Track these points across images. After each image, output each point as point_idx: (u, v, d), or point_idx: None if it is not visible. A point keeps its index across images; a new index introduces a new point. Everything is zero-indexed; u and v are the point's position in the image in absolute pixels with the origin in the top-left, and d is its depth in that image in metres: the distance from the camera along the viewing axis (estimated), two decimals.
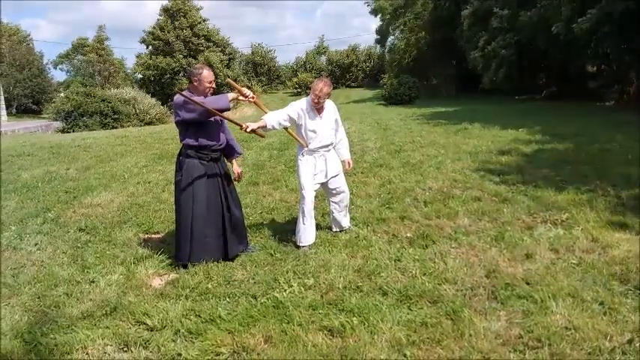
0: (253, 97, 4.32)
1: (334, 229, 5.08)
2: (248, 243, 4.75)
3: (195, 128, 4.28)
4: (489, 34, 22.16)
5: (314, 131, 4.71)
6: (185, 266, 4.32)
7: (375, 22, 44.12)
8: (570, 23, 15.06)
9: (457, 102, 25.33)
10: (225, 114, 4.35)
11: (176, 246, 4.50)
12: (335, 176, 4.89)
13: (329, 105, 4.83)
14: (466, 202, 5.91)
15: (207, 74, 4.28)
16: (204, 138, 4.32)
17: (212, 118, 4.29)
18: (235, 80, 43.65)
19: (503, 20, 20.96)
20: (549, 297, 3.40)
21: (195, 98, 4.12)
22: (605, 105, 17.81)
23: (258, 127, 4.50)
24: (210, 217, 4.38)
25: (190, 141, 4.33)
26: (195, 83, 4.27)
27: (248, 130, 4.41)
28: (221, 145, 4.48)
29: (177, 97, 4.22)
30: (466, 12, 24.04)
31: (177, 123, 4.35)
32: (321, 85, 4.62)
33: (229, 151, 4.69)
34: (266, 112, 4.67)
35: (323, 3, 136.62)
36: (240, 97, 4.29)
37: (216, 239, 4.41)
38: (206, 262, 4.29)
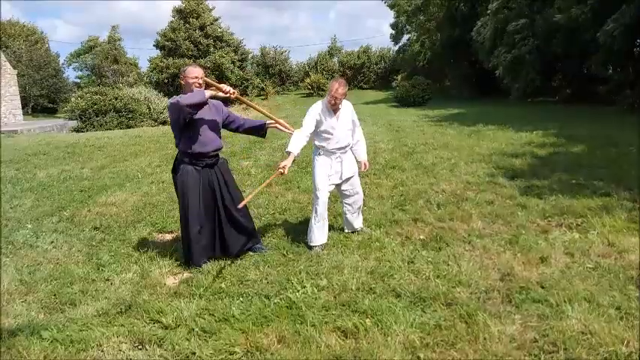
0: (234, 93, 4.19)
1: (346, 231, 5.08)
2: (259, 241, 4.73)
3: (189, 134, 4.20)
4: (509, 45, 22.00)
5: (330, 132, 4.69)
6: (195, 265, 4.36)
7: (390, 20, 43.86)
8: (594, 29, 15.00)
9: (470, 104, 25.20)
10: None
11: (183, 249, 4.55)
12: (350, 178, 4.87)
13: (346, 105, 4.81)
14: (480, 204, 5.87)
15: (190, 69, 4.20)
16: (197, 145, 4.24)
17: (204, 120, 4.21)
18: (248, 80, 44.02)
19: (522, 28, 20.84)
20: (565, 301, 3.37)
21: (175, 98, 4.05)
22: (621, 109, 17.58)
23: (291, 160, 4.47)
24: (205, 222, 4.37)
25: (184, 147, 4.28)
26: (182, 82, 4.22)
27: (285, 171, 4.38)
28: (217, 150, 4.40)
29: (168, 102, 4.15)
30: (483, 32, 23.81)
31: (172, 127, 4.31)
32: (337, 86, 4.60)
33: (259, 129, 4.69)
34: (256, 109, 4.77)
35: (336, 4, 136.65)
36: (220, 94, 4.17)
37: (211, 242, 4.44)
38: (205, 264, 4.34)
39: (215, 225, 4.46)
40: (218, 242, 4.49)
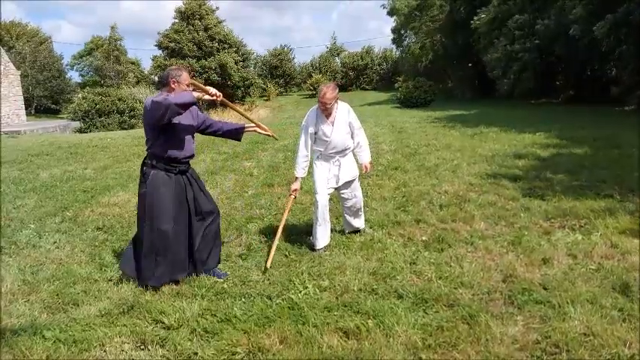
0: (219, 96, 4.02)
1: (347, 231, 5.08)
2: (219, 261, 4.39)
3: (165, 137, 3.95)
4: (508, 39, 21.96)
5: (325, 137, 4.69)
6: (155, 288, 3.92)
7: (391, 24, 43.93)
8: (589, 25, 14.97)
9: (473, 105, 25.15)
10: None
11: (137, 265, 4.05)
12: (348, 182, 4.85)
13: (342, 109, 4.76)
14: (482, 206, 5.86)
15: (186, 75, 4.02)
16: (172, 149, 3.99)
17: (182, 124, 4.00)
18: (249, 79, 44.09)
19: (523, 25, 20.81)
20: (567, 302, 3.36)
21: (160, 96, 3.84)
22: (625, 110, 17.55)
23: (299, 183, 4.84)
24: (179, 233, 4.04)
25: (157, 151, 3.99)
26: (173, 85, 3.94)
27: (297, 195, 4.83)
28: (190, 156, 4.16)
29: (146, 100, 3.95)
30: (483, 18, 23.80)
31: (147, 128, 4.02)
32: (325, 90, 4.56)
33: (235, 133, 4.55)
34: (239, 112, 4.88)
35: (339, 5, 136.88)
36: (206, 97, 4.00)
37: (185, 255, 4.11)
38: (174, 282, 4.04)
39: (187, 236, 4.12)
40: (193, 262, 4.16)
